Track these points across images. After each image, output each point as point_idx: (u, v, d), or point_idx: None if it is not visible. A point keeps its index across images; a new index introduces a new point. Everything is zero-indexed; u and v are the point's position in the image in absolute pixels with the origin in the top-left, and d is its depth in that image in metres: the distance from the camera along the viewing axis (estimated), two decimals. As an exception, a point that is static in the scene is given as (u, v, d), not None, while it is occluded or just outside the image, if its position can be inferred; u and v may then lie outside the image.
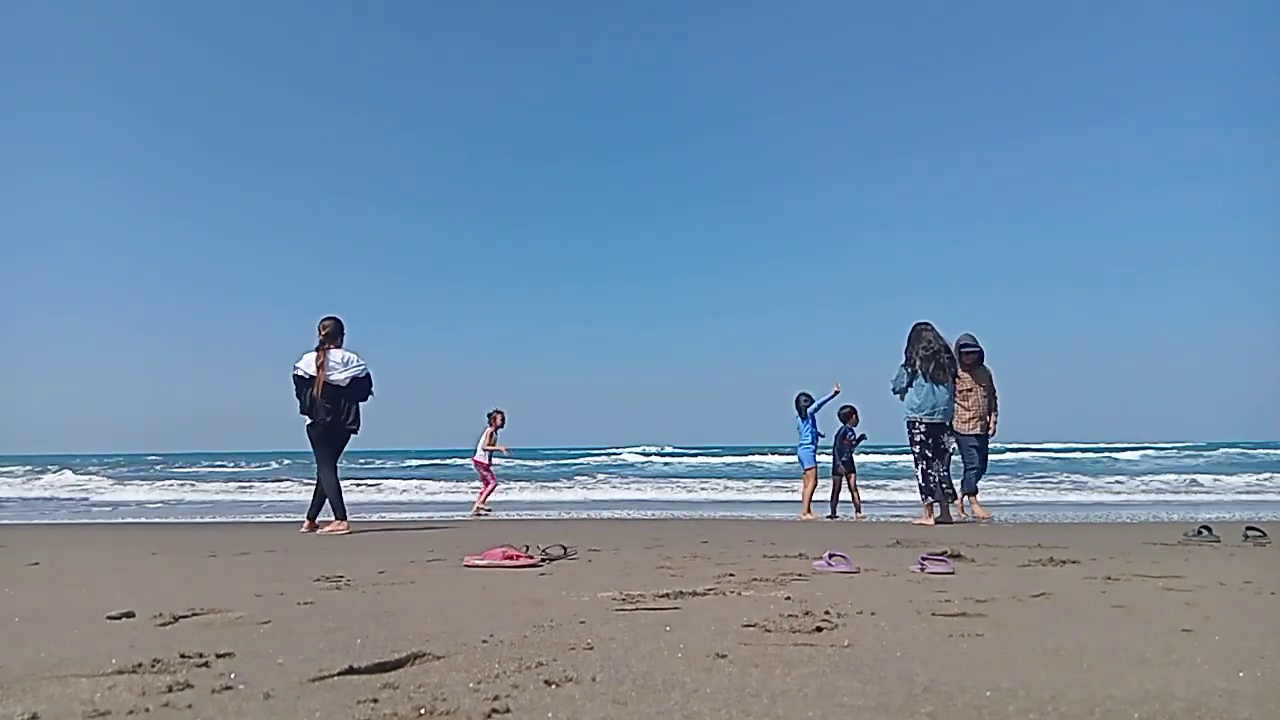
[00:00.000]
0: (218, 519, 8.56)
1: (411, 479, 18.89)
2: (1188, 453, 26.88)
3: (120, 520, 8.88)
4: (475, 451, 10.10)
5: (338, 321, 6.33)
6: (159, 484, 18.89)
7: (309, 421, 6.19)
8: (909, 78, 53.26)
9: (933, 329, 6.89)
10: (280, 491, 15.66)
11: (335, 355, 6.19)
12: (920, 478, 6.76)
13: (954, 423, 7.09)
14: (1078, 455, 25.89)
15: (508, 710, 1.20)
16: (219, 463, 30.85)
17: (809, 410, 8.40)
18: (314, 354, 6.19)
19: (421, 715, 1.18)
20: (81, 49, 47.43)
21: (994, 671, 1.45)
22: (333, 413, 6.14)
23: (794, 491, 10.80)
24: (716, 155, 58.79)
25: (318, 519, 6.32)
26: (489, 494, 9.99)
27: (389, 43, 52.98)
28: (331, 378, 6.11)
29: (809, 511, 8.11)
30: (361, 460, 28.90)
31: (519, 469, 22.89)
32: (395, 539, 5.50)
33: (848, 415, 8.54)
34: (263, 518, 8.71)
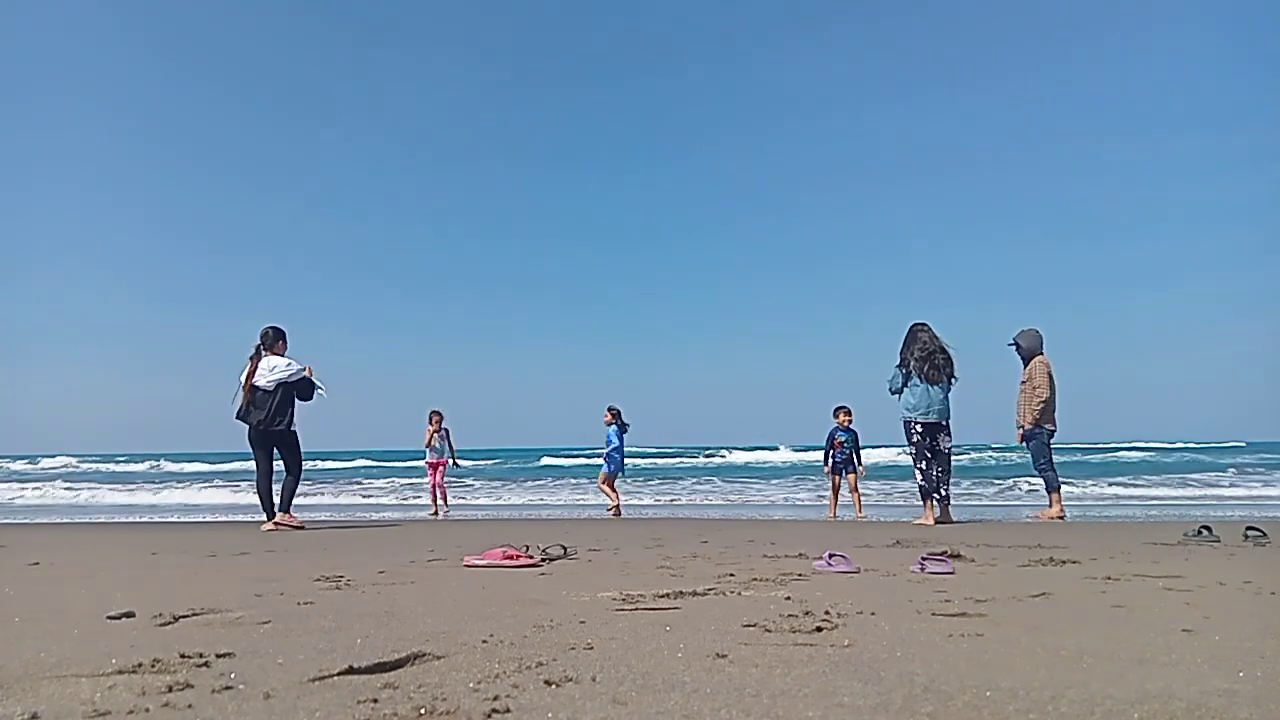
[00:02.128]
0: (218, 519, 8.57)
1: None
2: (1189, 452, 26.89)
3: (120, 520, 8.89)
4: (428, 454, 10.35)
5: (275, 330, 6.77)
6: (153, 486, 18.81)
7: (247, 425, 6.60)
8: (912, 89, 53.27)
9: (929, 329, 6.90)
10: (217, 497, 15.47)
11: (266, 362, 6.58)
12: (919, 477, 6.77)
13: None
14: (1078, 455, 25.89)
15: (508, 710, 1.20)
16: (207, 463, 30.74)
17: (616, 430, 9.39)
18: (249, 362, 6.60)
19: (421, 715, 1.18)
20: (63, 61, 47.43)
21: (994, 671, 1.45)
22: (262, 416, 6.50)
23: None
24: (715, 163, 58.87)
25: (290, 510, 6.65)
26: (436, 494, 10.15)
27: (374, 53, 53.03)
28: (258, 383, 6.50)
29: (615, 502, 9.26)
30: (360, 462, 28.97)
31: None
32: (395, 539, 5.50)
33: (836, 414, 8.57)
34: (260, 517, 8.70)
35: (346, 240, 55.97)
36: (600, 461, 9.51)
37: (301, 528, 6.50)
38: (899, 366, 6.90)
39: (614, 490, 9.37)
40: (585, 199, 58.38)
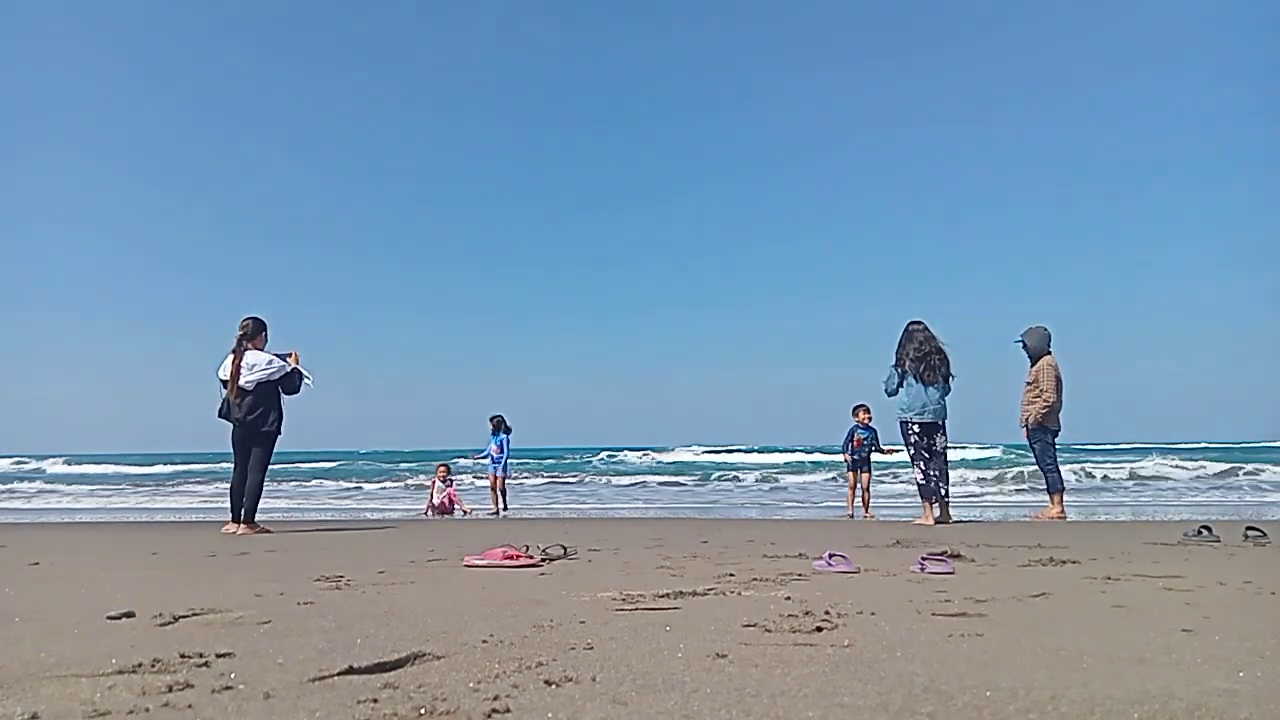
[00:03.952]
0: (219, 520, 8.56)
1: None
2: (1188, 452, 26.88)
3: (120, 520, 8.88)
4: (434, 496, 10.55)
5: (256, 321, 6.28)
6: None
7: (230, 424, 6.21)
8: (906, 55, 53.37)
9: (925, 329, 6.90)
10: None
11: (248, 358, 6.15)
12: (920, 477, 6.76)
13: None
14: (1079, 455, 25.90)
15: (508, 710, 1.20)
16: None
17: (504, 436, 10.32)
18: (230, 358, 6.17)
19: (421, 715, 1.18)
20: (93, 32, 47.82)
21: (994, 671, 1.45)
22: (245, 416, 6.11)
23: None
24: (703, 134, 58.91)
25: (253, 520, 6.21)
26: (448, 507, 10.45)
27: (396, 31, 53.35)
28: (240, 382, 6.09)
29: (502, 504, 10.16)
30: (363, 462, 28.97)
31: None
32: (395, 539, 5.50)
33: (855, 412, 8.60)
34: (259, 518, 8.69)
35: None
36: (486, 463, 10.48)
37: (267, 532, 6.08)
38: (894, 366, 6.90)
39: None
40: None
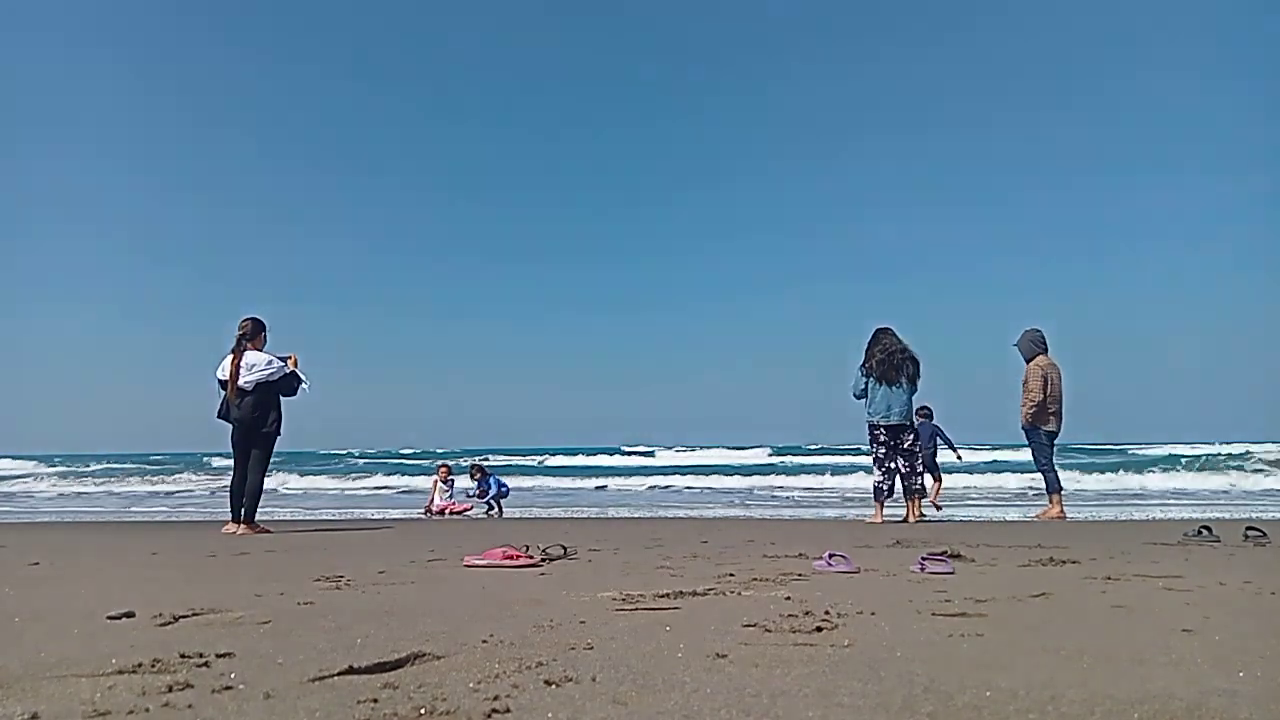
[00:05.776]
0: (219, 519, 8.57)
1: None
2: (1189, 453, 26.87)
3: (120, 520, 8.88)
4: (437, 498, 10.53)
5: (256, 322, 6.25)
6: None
7: (229, 425, 6.19)
8: (903, 65, 53.45)
9: (891, 333, 7.07)
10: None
11: (248, 358, 6.13)
12: (877, 477, 6.98)
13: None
14: (1078, 454, 25.89)
15: (508, 710, 1.20)
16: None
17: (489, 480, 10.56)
18: (229, 358, 6.15)
19: (421, 715, 1.18)
20: (88, 30, 47.87)
21: (994, 671, 1.45)
22: (244, 416, 6.09)
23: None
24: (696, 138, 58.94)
25: (254, 520, 6.19)
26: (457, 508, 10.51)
27: (389, 26, 53.44)
28: (238, 382, 6.07)
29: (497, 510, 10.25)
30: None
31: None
32: (395, 539, 5.50)
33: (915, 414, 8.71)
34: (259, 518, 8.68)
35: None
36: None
37: (267, 532, 6.05)
38: (861, 368, 7.06)
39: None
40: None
